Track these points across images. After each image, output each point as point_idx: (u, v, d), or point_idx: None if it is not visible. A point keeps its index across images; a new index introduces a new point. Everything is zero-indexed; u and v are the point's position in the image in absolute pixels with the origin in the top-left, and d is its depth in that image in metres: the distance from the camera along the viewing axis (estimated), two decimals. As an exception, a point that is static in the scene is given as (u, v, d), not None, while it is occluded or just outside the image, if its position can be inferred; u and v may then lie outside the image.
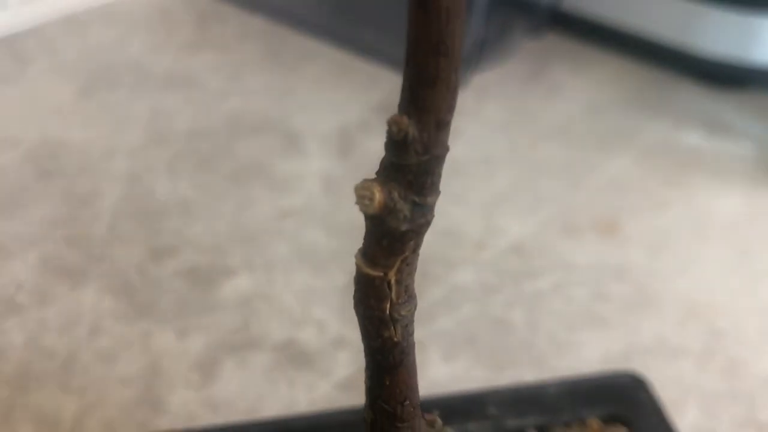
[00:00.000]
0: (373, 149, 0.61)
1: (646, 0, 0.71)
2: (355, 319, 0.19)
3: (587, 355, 0.45)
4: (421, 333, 0.40)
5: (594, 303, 0.49)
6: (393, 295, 0.15)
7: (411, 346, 0.17)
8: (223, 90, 0.68)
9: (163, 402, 0.41)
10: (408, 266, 0.16)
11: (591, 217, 0.56)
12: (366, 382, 0.18)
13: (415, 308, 0.17)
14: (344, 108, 0.66)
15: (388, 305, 0.16)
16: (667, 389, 0.39)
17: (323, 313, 0.47)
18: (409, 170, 0.14)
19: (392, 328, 0.16)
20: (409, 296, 0.16)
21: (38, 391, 0.41)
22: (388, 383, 0.17)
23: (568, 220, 0.56)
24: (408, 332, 0.16)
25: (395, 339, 0.16)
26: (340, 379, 0.43)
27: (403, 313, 0.16)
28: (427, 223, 0.16)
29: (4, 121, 0.62)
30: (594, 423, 0.31)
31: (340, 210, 0.55)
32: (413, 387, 0.18)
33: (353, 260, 0.18)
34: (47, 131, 0.61)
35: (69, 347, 0.44)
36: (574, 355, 0.45)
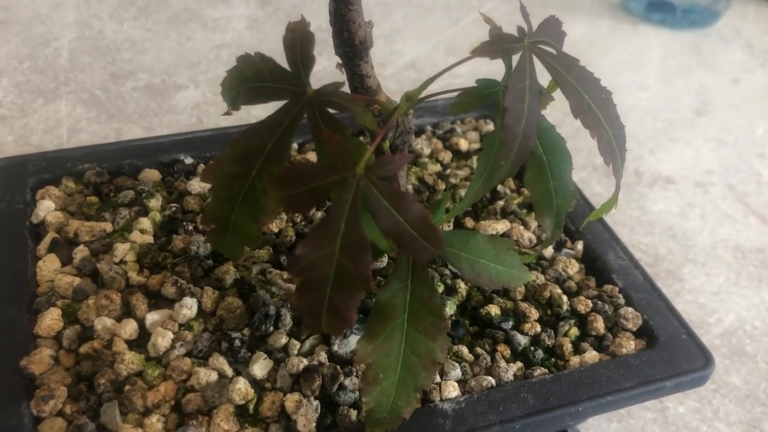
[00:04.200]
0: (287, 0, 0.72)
1: None
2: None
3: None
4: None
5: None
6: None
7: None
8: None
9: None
10: None
11: (467, 43, 0.69)
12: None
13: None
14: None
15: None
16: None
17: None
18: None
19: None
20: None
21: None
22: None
23: (450, 44, 0.69)
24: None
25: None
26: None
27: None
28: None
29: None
30: (471, 120, 0.44)
31: (264, 42, 0.66)
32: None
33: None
34: (-7, -8, 0.68)
35: (53, 143, 0.53)
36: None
